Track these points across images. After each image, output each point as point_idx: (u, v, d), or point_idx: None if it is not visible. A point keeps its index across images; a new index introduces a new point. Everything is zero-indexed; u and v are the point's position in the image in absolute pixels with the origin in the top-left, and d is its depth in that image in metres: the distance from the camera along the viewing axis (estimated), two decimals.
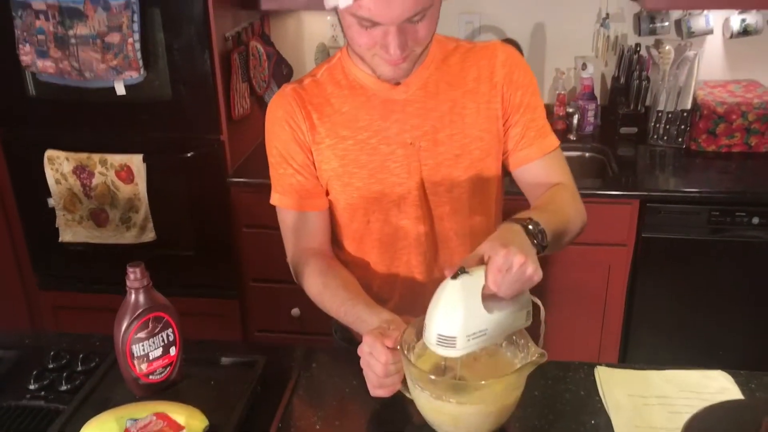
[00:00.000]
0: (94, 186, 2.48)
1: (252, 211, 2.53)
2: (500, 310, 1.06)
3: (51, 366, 1.33)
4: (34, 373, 1.30)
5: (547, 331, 1.13)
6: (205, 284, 2.62)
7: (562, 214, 1.24)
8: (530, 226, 1.12)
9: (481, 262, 1.05)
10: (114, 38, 2.26)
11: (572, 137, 2.74)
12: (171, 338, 1.22)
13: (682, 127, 2.61)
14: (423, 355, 1.16)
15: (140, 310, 1.17)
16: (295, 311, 2.59)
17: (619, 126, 2.72)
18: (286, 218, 1.42)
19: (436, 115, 1.33)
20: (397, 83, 1.31)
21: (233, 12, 2.48)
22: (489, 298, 1.05)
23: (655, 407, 1.21)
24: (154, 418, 1.09)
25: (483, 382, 1.09)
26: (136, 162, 2.43)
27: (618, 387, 1.26)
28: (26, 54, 2.33)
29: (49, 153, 2.47)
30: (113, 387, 1.24)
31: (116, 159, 2.44)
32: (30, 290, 2.78)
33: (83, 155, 2.45)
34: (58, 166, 2.48)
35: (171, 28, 2.30)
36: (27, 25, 2.29)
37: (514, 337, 1.16)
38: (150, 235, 2.52)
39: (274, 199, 1.43)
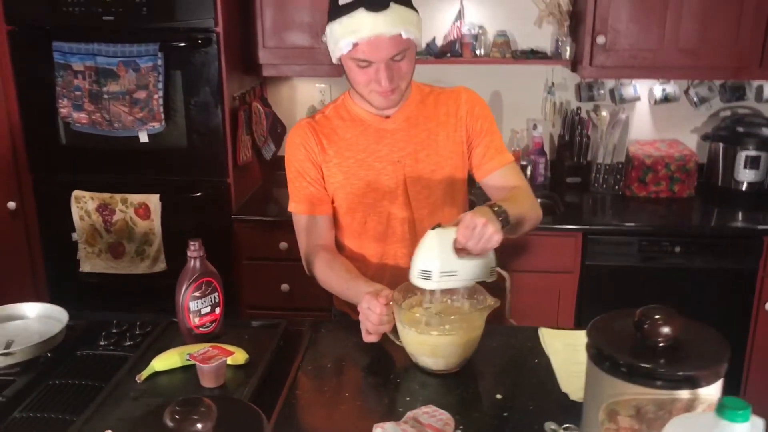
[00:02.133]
0: (115, 222, 2.85)
1: (252, 246, 2.92)
2: (468, 260, 1.48)
3: (115, 330, 1.68)
4: (103, 333, 1.65)
5: None
6: None
7: (519, 205, 1.67)
8: (495, 208, 1.54)
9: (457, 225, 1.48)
10: (141, 95, 2.69)
11: None
12: (216, 300, 1.60)
13: (618, 176, 3.10)
14: (408, 310, 1.56)
15: (197, 274, 1.55)
16: None
17: (565, 176, 3.19)
18: (301, 221, 1.83)
19: (416, 140, 1.77)
20: (387, 116, 1.76)
21: (239, 77, 2.94)
22: (462, 252, 1.46)
23: (583, 350, 1.61)
24: (210, 348, 1.46)
25: (453, 317, 1.49)
26: (153, 201, 2.82)
27: (556, 339, 1.66)
28: (64, 107, 2.74)
29: (76, 193, 2.85)
30: (169, 341, 1.60)
31: (136, 198, 2.83)
32: None
33: (107, 195, 2.84)
34: (83, 205, 2.85)
35: (190, 87, 2.74)
36: (66, 83, 2.71)
37: (476, 296, 1.57)
38: (161, 266, 2.88)
39: (291, 206, 1.84)
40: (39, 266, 3.04)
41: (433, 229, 1.48)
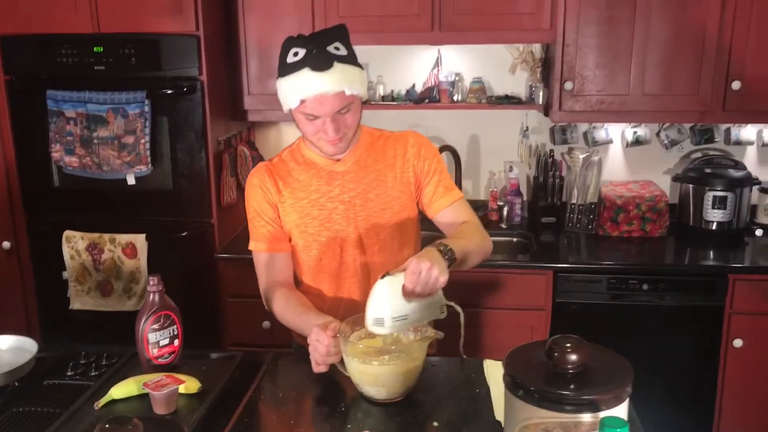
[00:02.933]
0: (103, 261, 2.98)
1: (235, 284, 3.02)
2: (417, 303, 1.57)
3: (83, 362, 1.78)
4: (71, 363, 1.75)
5: None
6: (189, 345, 3.06)
7: (467, 239, 1.77)
8: (441, 248, 1.64)
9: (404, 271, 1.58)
10: (129, 140, 2.83)
11: (503, 226, 3.31)
12: (175, 332, 1.70)
13: (591, 216, 3.19)
14: (355, 343, 1.65)
15: (156, 307, 1.66)
16: None
17: (541, 216, 3.29)
18: (260, 259, 1.94)
19: (366, 181, 1.88)
20: (338, 160, 1.87)
21: (225, 122, 3.08)
22: (410, 294, 1.55)
23: None
24: (164, 377, 1.56)
25: (393, 347, 1.58)
26: (139, 240, 2.94)
27: (499, 370, 1.73)
28: (57, 152, 2.89)
29: (67, 233, 2.98)
30: (130, 371, 1.70)
31: (123, 238, 2.95)
32: None
33: (96, 235, 2.96)
34: (74, 244, 2.98)
35: (175, 132, 2.89)
36: (59, 129, 2.86)
37: (419, 329, 1.66)
38: None
39: (251, 245, 1.94)
40: (32, 304, 3.16)
41: (382, 277, 1.58)
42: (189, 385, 1.58)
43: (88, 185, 2.95)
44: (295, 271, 1.96)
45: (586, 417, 1.20)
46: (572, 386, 1.23)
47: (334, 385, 1.69)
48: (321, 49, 1.70)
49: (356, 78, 1.74)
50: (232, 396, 1.64)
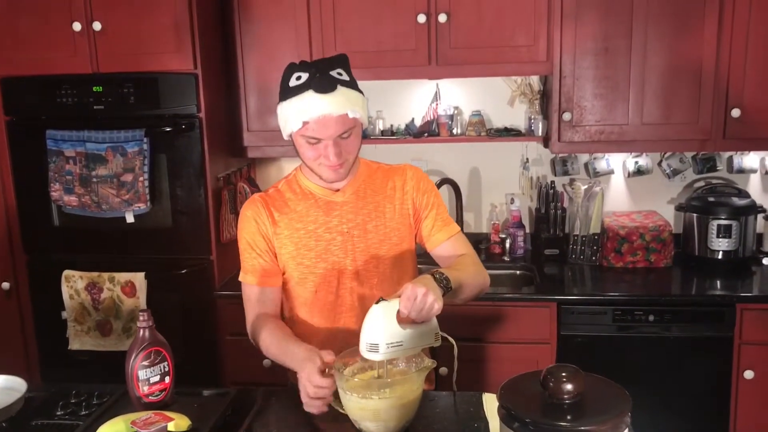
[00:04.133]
0: (103, 300, 2.95)
1: (235, 321, 2.97)
2: (412, 329, 1.54)
3: (73, 401, 1.75)
4: (60, 403, 1.72)
5: None
6: (188, 385, 3.01)
7: (463, 271, 1.75)
8: (437, 275, 1.63)
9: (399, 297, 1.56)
10: (128, 178, 2.83)
11: (506, 258, 3.27)
12: (166, 369, 1.67)
13: (595, 248, 3.15)
14: (351, 376, 1.61)
15: (146, 343, 1.63)
16: None
17: (544, 248, 3.25)
18: (249, 292, 1.91)
19: (365, 212, 1.86)
20: (336, 190, 1.86)
21: (225, 158, 3.08)
22: (405, 321, 1.53)
23: None
24: (152, 414, 1.52)
25: (389, 380, 1.55)
26: (138, 279, 2.92)
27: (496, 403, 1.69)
28: (56, 191, 2.89)
29: (67, 273, 2.96)
30: (120, 410, 1.66)
31: (122, 276, 2.93)
32: None
33: (95, 274, 2.95)
34: (73, 284, 2.96)
35: (174, 169, 2.89)
36: (58, 168, 2.87)
37: (413, 359, 1.62)
38: None
39: (242, 277, 1.92)
40: (32, 344, 3.13)
41: (377, 303, 1.56)
42: (178, 422, 1.54)
43: (87, 224, 2.94)
44: (288, 305, 1.93)
45: None
46: (569, 417, 1.18)
47: (328, 424, 1.65)
48: (324, 73, 1.71)
49: (359, 102, 1.75)
50: None
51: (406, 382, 1.56)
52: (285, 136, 1.80)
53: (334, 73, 1.72)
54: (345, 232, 1.85)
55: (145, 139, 2.80)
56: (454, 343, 1.67)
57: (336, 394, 1.59)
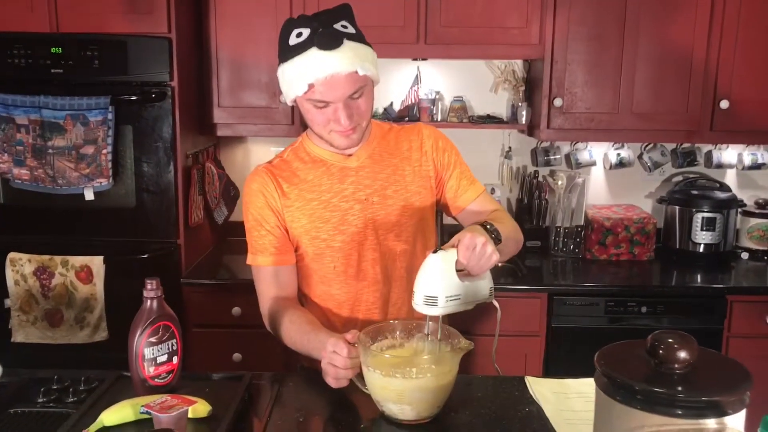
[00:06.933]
0: (53, 287, 2.64)
1: (202, 312, 2.74)
2: (470, 282, 1.39)
3: (56, 387, 1.49)
4: (41, 389, 1.46)
5: None
6: None
7: (504, 225, 1.61)
8: (488, 226, 1.49)
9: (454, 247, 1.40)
10: (89, 150, 2.55)
11: None
12: (174, 348, 1.44)
13: (578, 240, 3.07)
14: (378, 352, 1.43)
15: (154, 317, 1.40)
16: None
17: (525, 240, 3.14)
18: (263, 274, 1.70)
19: (382, 176, 1.69)
20: (350, 155, 1.68)
21: (193, 135, 2.83)
22: (460, 273, 1.37)
23: (575, 398, 1.51)
24: (169, 397, 1.29)
25: (425, 356, 1.37)
26: (96, 263, 2.63)
27: (544, 387, 1.55)
28: (4, 162, 2.57)
29: (12, 255, 2.64)
30: (119, 396, 1.41)
31: (77, 260, 2.63)
32: None
33: (46, 257, 2.63)
34: (19, 268, 2.64)
35: (141, 143, 2.62)
36: (8, 137, 2.55)
37: (450, 339, 1.46)
38: (102, 335, 2.66)
39: (250, 259, 1.70)
40: None
41: (434, 252, 1.41)
42: (198, 408, 1.31)
43: (39, 201, 2.63)
44: (303, 284, 1.74)
45: (710, 423, 1.02)
46: (685, 387, 1.05)
47: (351, 405, 1.46)
48: (327, 26, 1.51)
49: (368, 57, 1.56)
50: (244, 421, 1.39)
51: (439, 362, 1.39)
52: (288, 102, 1.60)
53: (338, 26, 1.53)
54: (363, 199, 1.67)
55: (110, 108, 2.53)
56: (498, 306, 1.52)
57: (360, 373, 1.42)
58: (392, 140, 1.74)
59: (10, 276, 2.64)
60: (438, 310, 1.39)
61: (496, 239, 1.49)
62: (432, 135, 1.76)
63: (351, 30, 1.55)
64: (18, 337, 2.67)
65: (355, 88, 1.53)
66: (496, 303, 1.51)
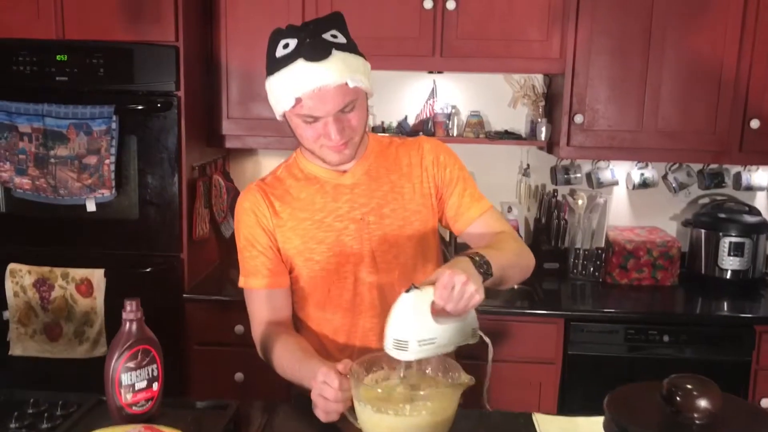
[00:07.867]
0: (53, 299, 2.57)
1: (205, 329, 2.65)
2: (448, 324, 1.27)
3: (31, 411, 1.40)
4: (15, 414, 1.37)
5: None
6: None
7: (504, 252, 1.47)
8: (476, 258, 1.35)
9: (432, 284, 1.27)
10: (91, 160, 2.48)
11: None
12: (155, 373, 1.35)
13: (598, 262, 2.94)
14: (370, 386, 1.33)
15: (132, 340, 1.31)
16: None
17: (542, 261, 3.02)
18: (254, 297, 1.61)
19: (379, 194, 1.58)
20: (344, 171, 1.58)
21: (200, 147, 2.76)
22: (439, 313, 1.25)
23: None
24: (143, 429, 1.20)
25: (421, 393, 1.26)
26: (96, 276, 2.56)
27: (553, 425, 1.43)
28: (5, 171, 2.51)
29: (12, 266, 2.58)
30: (95, 423, 1.33)
31: (78, 273, 2.56)
32: None
33: (45, 269, 2.57)
34: (19, 279, 2.57)
35: (145, 153, 2.55)
36: (10, 145, 2.49)
37: (450, 373, 1.35)
38: (102, 350, 2.58)
39: (242, 281, 1.61)
40: None
41: (407, 291, 1.28)
42: None
43: (39, 211, 2.57)
44: (297, 308, 1.64)
45: None
46: None
47: None
48: (315, 36, 1.41)
49: (359, 68, 1.46)
50: None
51: (436, 398, 1.28)
52: (278, 117, 1.51)
53: (327, 35, 1.43)
54: (358, 219, 1.57)
55: (114, 117, 2.47)
56: (489, 342, 1.39)
57: (352, 406, 1.31)
58: (392, 155, 1.64)
59: (9, 287, 2.58)
60: (409, 355, 1.27)
61: (485, 274, 1.35)
62: (433, 149, 1.65)
63: (341, 40, 1.45)
64: (16, 350, 2.61)
65: (345, 101, 1.44)
66: (486, 339, 1.38)
